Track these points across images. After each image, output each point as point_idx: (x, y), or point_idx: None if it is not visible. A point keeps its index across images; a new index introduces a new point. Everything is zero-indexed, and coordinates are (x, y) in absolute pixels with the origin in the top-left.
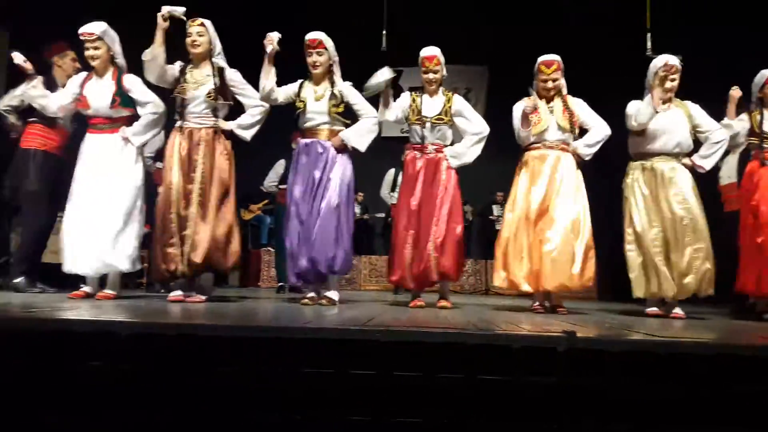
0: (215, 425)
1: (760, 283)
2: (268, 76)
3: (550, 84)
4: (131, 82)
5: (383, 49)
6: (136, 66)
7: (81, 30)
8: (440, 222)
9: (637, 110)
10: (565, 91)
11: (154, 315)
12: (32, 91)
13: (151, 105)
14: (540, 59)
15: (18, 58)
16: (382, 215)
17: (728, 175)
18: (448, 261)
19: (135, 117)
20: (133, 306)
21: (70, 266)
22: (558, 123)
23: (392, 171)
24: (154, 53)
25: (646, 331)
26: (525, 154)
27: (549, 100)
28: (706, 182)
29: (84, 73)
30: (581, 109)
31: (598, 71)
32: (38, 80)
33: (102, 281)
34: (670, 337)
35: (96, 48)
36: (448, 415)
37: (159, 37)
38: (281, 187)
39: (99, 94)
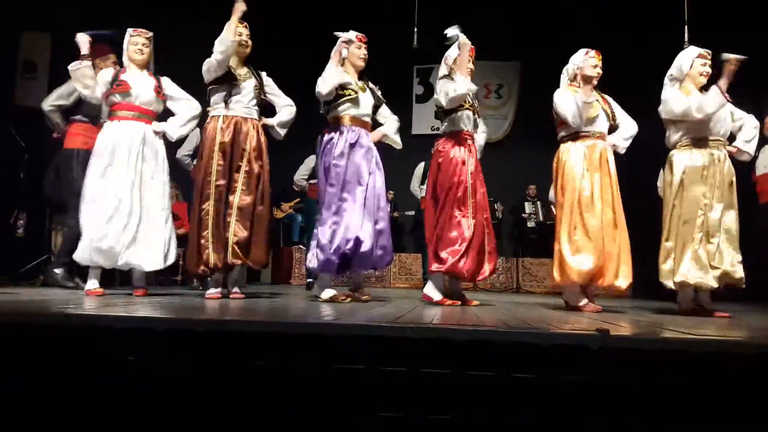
0: (247, 420)
1: None
2: (337, 75)
3: (599, 70)
4: (168, 81)
5: (415, 46)
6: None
7: (136, 29)
8: (488, 216)
9: (700, 100)
10: None
11: (187, 311)
12: (85, 70)
13: (193, 102)
14: (585, 50)
15: (82, 38)
16: (412, 213)
17: (765, 165)
18: (495, 256)
19: (162, 116)
20: (168, 303)
21: (95, 258)
22: (605, 111)
23: (422, 164)
24: (234, 38)
25: (680, 329)
26: (572, 144)
27: (587, 86)
28: (738, 172)
29: (112, 70)
30: (614, 104)
31: (635, 65)
32: (90, 64)
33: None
34: (704, 335)
35: (146, 46)
36: (478, 412)
37: (234, 22)
38: (311, 182)
39: (142, 83)
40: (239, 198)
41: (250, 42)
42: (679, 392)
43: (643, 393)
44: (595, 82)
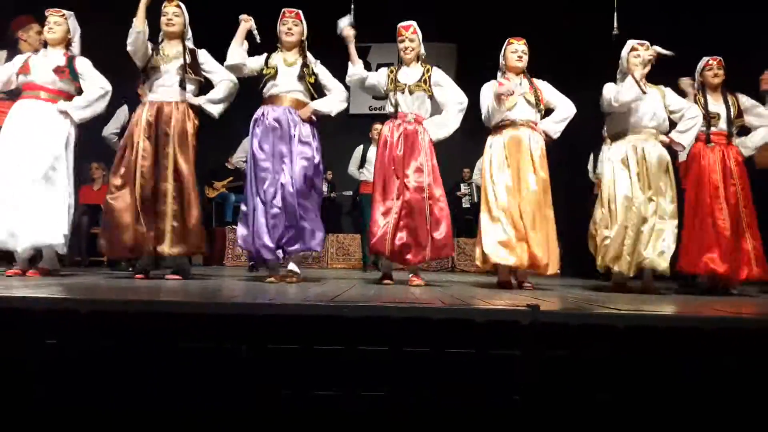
0: (180, 402)
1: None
2: (238, 49)
3: (519, 54)
4: (83, 61)
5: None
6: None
7: (49, 8)
8: (433, 198)
9: (617, 91)
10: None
11: (115, 292)
12: None
13: (100, 81)
14: (508, 39)
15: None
16: (350, 193)
17: (688, 152)
18: (447, 239)
19: (75, 96)
20: (93, 283)
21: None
22: (526, 98)
23: (360, 147)
24: (140, 28)
25: (606, 304)
26: (494, 134)
27: (514, 73)
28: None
29: (30, 52)
30: (546, 88)
31: (566, 52)
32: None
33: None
34: (630, 310)
35: (57, 24)
36: (414, 388)
37: (142, 12)
38: None
39: (45, 62)
40: (173, 186)
41: (176, 20)
42: (605, 364)
43: (571, 365)
44: (519, 68)
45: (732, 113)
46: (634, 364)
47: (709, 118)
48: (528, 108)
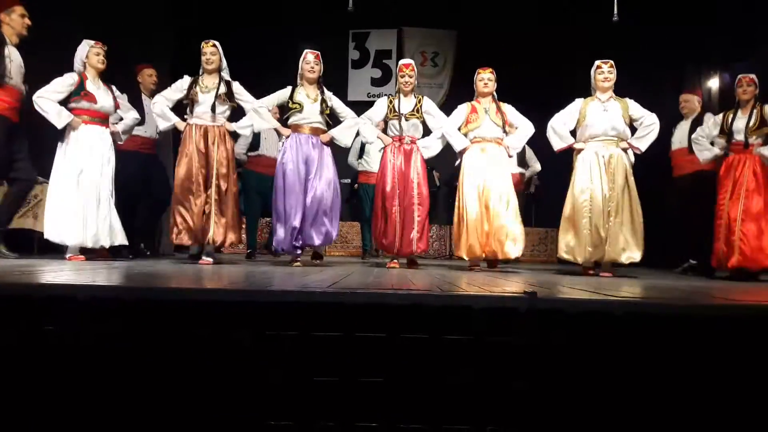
0: (178, 390)
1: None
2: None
3: (485, 82)
4: (119, 94)
5: (350, 9)
6: None
7: (96, 41)
8: (420, 205)
9: (550, 131)
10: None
11: (118, 279)
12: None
13: (133, 112)
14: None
15: None
16: (347, 181)
17: (679, 140)
18: (425, 239)
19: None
20: (100, 269)
21: (69, 238)
22: (492, 119)
23: (359, 138)
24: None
25: (602, 291)
26: (469, 148)
27: (483, 97)
28: (658, 147)
29: (75, 75)
30: (510, 111)
31: (566, 43)
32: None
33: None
34: (628, 297)
35: (104, 56)
36: (411, 374)
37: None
38: (250, 154)
39: (101, 93)
40: (215, 192)
41: (213, 59)
42: (600, 351)
43: (569, 352)
44: (487, 91)
45: (751, 124)
46: (630, 351)
47: (727, 134)
48: (494, 127)
